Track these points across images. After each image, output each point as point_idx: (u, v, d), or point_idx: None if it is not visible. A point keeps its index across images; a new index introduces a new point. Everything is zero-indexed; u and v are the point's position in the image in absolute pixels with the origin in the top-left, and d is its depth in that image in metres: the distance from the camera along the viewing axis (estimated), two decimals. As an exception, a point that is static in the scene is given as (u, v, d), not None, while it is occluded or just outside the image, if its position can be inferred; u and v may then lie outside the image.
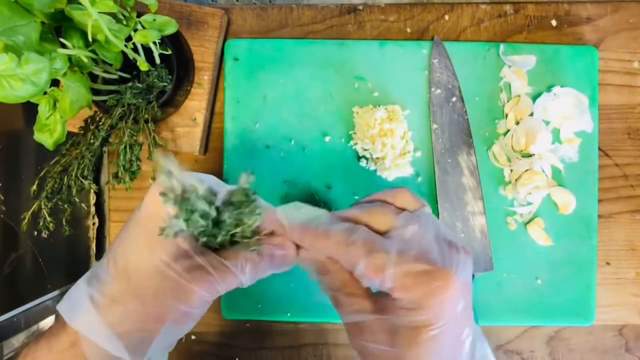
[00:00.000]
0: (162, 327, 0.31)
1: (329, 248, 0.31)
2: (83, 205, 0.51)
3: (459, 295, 0.28)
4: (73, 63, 0.42)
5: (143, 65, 0.47)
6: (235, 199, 0.32)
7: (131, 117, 0.49)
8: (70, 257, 0.54)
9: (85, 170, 0.49)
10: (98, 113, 0.50)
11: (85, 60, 0.42)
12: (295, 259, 0.33)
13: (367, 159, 0.53)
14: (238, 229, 0.32)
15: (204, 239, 0.32)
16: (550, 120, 0.53)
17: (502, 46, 0.54)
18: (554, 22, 0.55)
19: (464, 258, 0.30)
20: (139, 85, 0.48)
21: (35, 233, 0.48)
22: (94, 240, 0.56)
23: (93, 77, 0.47)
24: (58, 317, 0.32)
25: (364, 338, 0.30)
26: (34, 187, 0.47)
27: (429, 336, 0.28)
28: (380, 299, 0.31)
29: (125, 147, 0.49)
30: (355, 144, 0.53)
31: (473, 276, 0.51)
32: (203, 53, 0.53)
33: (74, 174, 0.48)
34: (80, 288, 0.31)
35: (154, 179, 0.55)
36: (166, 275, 0.30)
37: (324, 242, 0.31)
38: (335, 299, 0.32)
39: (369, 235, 0.30)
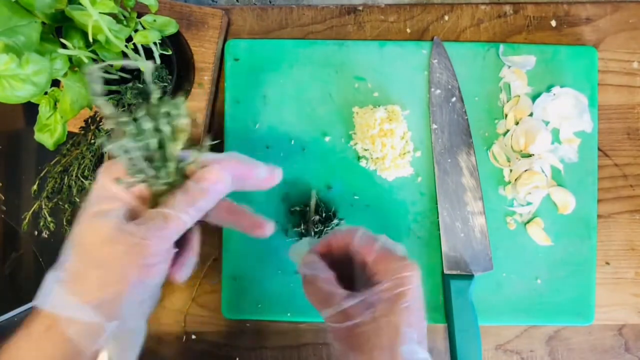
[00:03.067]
0: (128, 285, 0.32)
1: (344, 237, 0.40)
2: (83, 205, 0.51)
3: (420, 284, 0.37)
4: (73, 63, 0.42)
5: (143, 65, 0.47)
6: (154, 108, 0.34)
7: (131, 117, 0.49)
8: (71, 257, 0.54)
9: (86, 170, 0.49)
10: (98, 113, 0.50)
11: (86, 60, 0.42)
12: (229, 188, 0.36)
13: (367, 159, 0.53)
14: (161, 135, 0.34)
15: (146, 178, 0.34)
16: (549, 121, 0.53)
17: (501, 46, 0.54)
18: (553, 23, 0.55)
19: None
20: (139, 85, 0.48)
21: (36, 233, 0.48)
22: (94, 240, 0.56)
23: (93, 78, 0.47)
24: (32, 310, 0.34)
25: (351, 318, 0.35)
26: (35, 187, 0.47)
27: (403, 305, 0.35)
28: (357, 293, 0.37)
29: (125, 147, 0.49)
30: (355, 144, 0.53)
31: (473, 276, 0.52)
32: (203, 53, 0.53)
33: (74, 174, 0.48)
34: (47, 276, 0.33)
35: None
36: (118, 238, 0.32)
37: (342, 236, 0.40)
38: (318, 296, 0.38)
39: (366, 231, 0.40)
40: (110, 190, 0.34)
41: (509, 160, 0.53)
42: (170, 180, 0.35)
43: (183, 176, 0.35)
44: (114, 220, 0.33)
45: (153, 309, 0.37)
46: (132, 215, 0.34)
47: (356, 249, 0.38)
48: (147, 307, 0.37)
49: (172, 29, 0.47)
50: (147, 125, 0.33)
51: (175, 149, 0.35)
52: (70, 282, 0.32)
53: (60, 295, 0.32)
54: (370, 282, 0.37)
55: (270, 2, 0.59)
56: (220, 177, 0.35)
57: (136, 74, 0.50)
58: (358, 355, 0.35)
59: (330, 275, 0.38)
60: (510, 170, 0.53)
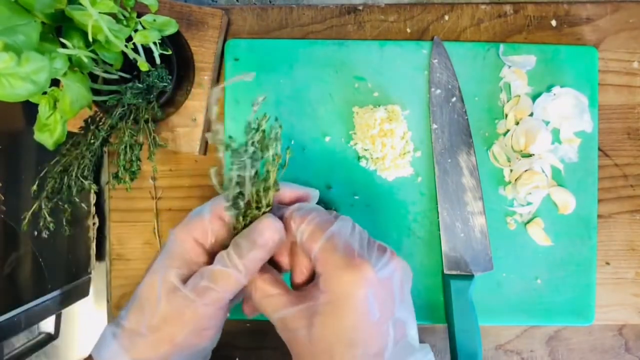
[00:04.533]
0: (176, 347, 0.32)
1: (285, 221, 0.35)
2: (83, 205, 0.51)
3: (374, 288, 0.31)
4: (73, 63, 0.42)
5: (143, 65, 0.47)
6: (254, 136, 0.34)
7: (131, 117, 0.49)
8: (70, 257, 0.54)
9: (86, 170, 0.49)
10: (98, 113, 0.50)
11: (86, 60, 0.42)
12: (281, 236, 0.34)
13: (367, 159, 0.53)
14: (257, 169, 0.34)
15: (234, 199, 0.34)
16: (550, 120, 0.53)
17: (502, 46, 0.54)
18: (553, 22, 0.55)
19: (386, 259, 0.32)
20: (139, 85, 0.48)
21: (36, 233, 0.48)
22: (94, 240, 0.56)
23: (93, 77, 0.47)
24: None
25: (290, 328, 0.32)
26: (34, 187, 0.47)
27: (341, 321, 0.30)
28: (298, 294, 0.33)
29: (125, 147, 0.49)
30: (355, 144, 0.53)
31: (473, 276, 0.52)
32: (203, 53, 0.53)
33: (74, 174, 0.48)
34: (105, 328, 0.34)
35: (154, 178, 0.55)
36: (172, 299, 0.32)
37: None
38: (260, 304, 0.35)
39: (320, 211, 0.35)
40: (185, 247, 0.34)
41: (509, 160, 0.53)
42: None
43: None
44: (173, 280, 0.32)
45: None
46: (185, 272, 0.33)
47: (300, 244, 0.34)
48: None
49: (171, 29, 0.46)
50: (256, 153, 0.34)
51: (275, 180, 0.34)
52: (124, 338, 0.32)
53: (113, 350, 0.32)
54: (317, 283, 0.33)
55: (270, 2, 0.59)
56: (268, 226, 0.33)
57: (136, 73, 0.50)
58: None
59: (272, 276, 0.35)
60: (511, 170, 0.53)
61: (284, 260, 0.37)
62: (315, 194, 0.39)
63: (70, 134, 0.45)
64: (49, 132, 0.42)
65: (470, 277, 0.51)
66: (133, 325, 0.32)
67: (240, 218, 0.34)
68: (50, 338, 0.54)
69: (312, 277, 0.36)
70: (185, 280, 0.33)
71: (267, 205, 0.34)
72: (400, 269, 0.33)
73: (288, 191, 0.37)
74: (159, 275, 0.33)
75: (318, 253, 0.32)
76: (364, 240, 0.33)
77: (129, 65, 0.48)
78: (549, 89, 0.53)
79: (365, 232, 0.35)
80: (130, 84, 0.48)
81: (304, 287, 0.35)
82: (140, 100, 0.49)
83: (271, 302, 0.33)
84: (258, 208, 0.34)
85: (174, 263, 0.33)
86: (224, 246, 0.34)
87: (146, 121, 0.49)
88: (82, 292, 0.56)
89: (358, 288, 0.30)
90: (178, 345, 0.32)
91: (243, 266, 0.32)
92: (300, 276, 0.36)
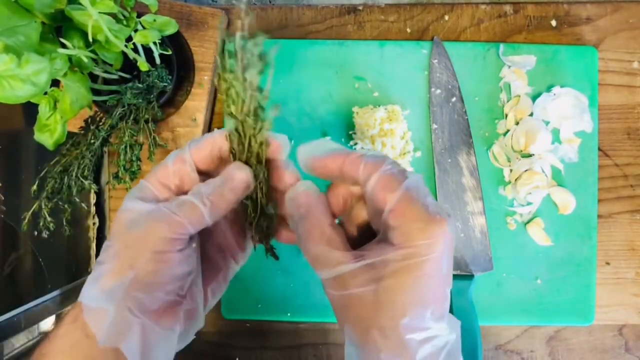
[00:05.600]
0: (133, 271, 0.31)
1: (347, 164, 0.30)
2: (83, 205, 0.51)
3: (448, 247, 0.28)
4: (73, 63, 0.42)
5: (143, 65, 0.47)
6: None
7: (131, 117, 0.49)
8: (71, 257, 0.54)
9: (86, 170, 0.49)
10: (98, 113, 0.50)
11: (86, 60, 0.42)
12: (248, 188, 0.33)
13: (367, 159, 0.53)
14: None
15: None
16: (550, 120, 0.53)
17: (501, 46, 0.54)
18: (553, 22, 0.55)
19: (453, 220, 0.30)
20: (140, 85, 0.48)
21: (36, 233, 0.48)
22: (94, 240, 0.56)
23: (93, 78, 0.47)
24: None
25: (349, 286, 0.29)
26: (34, 187, 0.47)
27: (417, 278, 0.28)
28: (359, 252, 0.30)
29: (125, 147, 0.49)
30: (355, 144, 0.53)
31: (473, 276, 0.52)
32: (203, 53, 0.53)
33: (74, 174, 0.48)
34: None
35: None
36: (136, 222, 0.31)
37: (342, 158, 0.31)
38: (314, 251, 0.30)
39: (393, 161, 0.31)
40: (150, 187, 0.33)
41: (509, 160, 0.53)
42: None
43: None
44: (138, 207, 0.32)
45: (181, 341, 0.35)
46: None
47: (370, 193, 0.30)
48: (179, 310, 0.33)
49: (171, 29, 0.46)
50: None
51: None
52: (95, 271, 0.32)
53: (87, 285, 0.32)
54: (383, 239, 0.29)
55: (270, 2, 0.59)
56: (238, 170, 0.32)
57: (136, 73, 0.50)
58: (352, 329, 0.29)
59: (327, 220, 0.31)
60: (511, 170, 0.53)
61: (337, 208, 0.33)
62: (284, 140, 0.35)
63: (70, 134, 0.45)
64: (49, 132, 0.42)
65: (470, 277, 0.52)
66: (102, 258, 0.32)
67: (240, 143, 0.33)
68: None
69: (368, 234, 0.33)
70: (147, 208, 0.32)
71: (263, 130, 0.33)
72: (454, 235, 0.31)
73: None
74: (126, 205, 0.32)
75: (395, 204, 0.28)
76: (434, 199, 0.30)
77: (129, 65, 0.48)
78: (549, 89, 0.53)
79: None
80: (130, 84, 0.48)
81: (365, 245, 0.31)
82: (140, 100, 0.49)
83: (330, 254, 0.29)
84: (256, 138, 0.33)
85: (140, 196, 0.33)
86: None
87: (146, 121, 0.49)
88: (82, 292, 0.56)
89: (439, 244, 0.28)
90: (137, 269, 0.31)
91: (209, 201, 0.31)
92: (356, 229, 0.33)
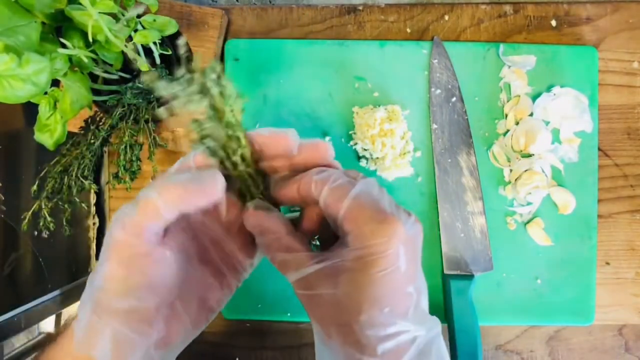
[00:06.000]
0: (111, 279, 0.30)
1: (301, 187, 0.32)
2: (83, 205, 0.51)
3: (404, 246, 0.30)
4: (73, 63, 0.42)
5: (143, 65, 0.47)
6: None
7: (131, 117, 0.49)
8: (71, 257, 0.54)
9: (86, 170, 0.49)
10: (98, 113, 0.50)
11: (86, 60, 0.42)
12: (219, 196, 0.31)
13: (367, 159, 0.53)
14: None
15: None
16: (550, 120, 0.53)
17: (501, 46, 0.54)
18: (553, 22, 0.55)
19: (413, 220, 0.31)
20: (139, 85, 0.48)
21: (36, 233, 0.48)
22: (94, 240, 0.56)
23: (93, 78, 0.47)
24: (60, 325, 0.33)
25: (313, 287, 0.31)
26: (34, 187, 0.47)
27: (371, 277, 0.29)
28: (321, 254, 0.31)
29: (125, 147, 0.49)
30: (355, 144, 0.53)
31: (473, 276, 0.52)
32: (203, 53, 0.53)
33: (74, 174, 0.48)
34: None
35: (154, 178, 0.55)
36: (110, 240, 0.30)
37: (296, 184, 0.33)
38: (277, 258, 0.32)
39: (340, 174, 0.33)
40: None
41: (509, 160, 0.53)
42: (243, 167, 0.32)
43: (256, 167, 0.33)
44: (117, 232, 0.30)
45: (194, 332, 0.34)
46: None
47: (324, 206, 0.31)
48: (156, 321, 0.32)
49: (171, 29, 0.46)
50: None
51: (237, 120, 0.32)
52: (88, 286, 0.31)
53: (82, 306, 0.31)
54: (342, 243, 0.31)
55: (270, 2, 0.59)
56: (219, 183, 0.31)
57: (136, 73, 0.50)
58: (319, 326, 0.31)
59: (283, 230, 0.32)
60: (511, 170, 0.53)
61: (312, 227, 0.35)
62: (292, 132, 0.35)
63: (70, 134, 0.45)
64: (49, 132, 0.42)
65: (470, 277, 0.52)
66: (94, 281, 0.31)
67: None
68: (51, 338, 0.54)
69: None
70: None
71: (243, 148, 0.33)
72: (421, 233, 0.32)
73: (265, 133, 0.35)
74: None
75: (346, 212, 0.30)
76: (391, 201, 0.32)
77: (129, 65, 0.48)
78: (549, 89, 0.53)
79: (390, 195, 0.33)
80: (130, 84, 0.48)
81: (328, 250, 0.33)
82: (140, 100, 0.49)
83: (294, 259, 0.31)
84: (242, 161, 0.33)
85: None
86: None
87: (146, 121, 0.49)
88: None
89: (391, 242, 0.29)
90: (104, 273, 0.30)
91: (160, 190, 0.29)
92: (325, 244, 0.35)
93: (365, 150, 0.53)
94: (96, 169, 0.53)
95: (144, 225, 0.29)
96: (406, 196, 0.53)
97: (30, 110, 0.44)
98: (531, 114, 0.53)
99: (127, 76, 0.49)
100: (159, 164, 0.55)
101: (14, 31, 0.34)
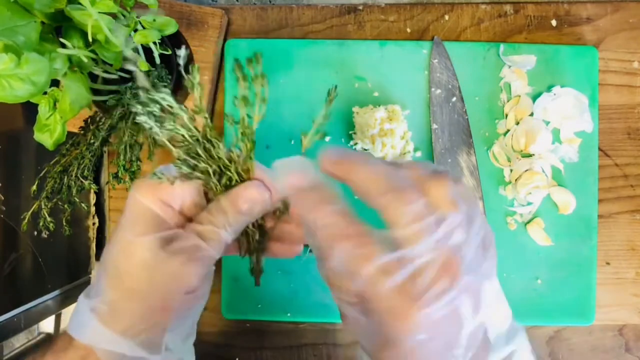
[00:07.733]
0: (170, 315, 0.30)
1: (372, 173, 0.26)
2: (83, 205, 0.51)
3: (428, 333, 0.25)
4: (73, 63, 0.42)
5: (143, 65, 0.47)
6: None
7: (131, 117, 0.49)
8: (70, 257, 0.54)
9: (85, 170, 0.49)
10: (98, 113, 0.50)
11: (85, 60, 0.42)
12: (269, 205, 0.32)
13: (367, 159, 0.53)
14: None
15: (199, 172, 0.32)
16: (550, 120, 0.53)
17: (502, 46, 0.54)
18: (554, 22, 0.55)
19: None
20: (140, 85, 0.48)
21: (35, 233, 0.48)
22: (94, 240, 0.56)
23: (93, 77, 0.47)
24: (60, 334, 0.32)
25: (390, 275, 0.24)
26: (34, 187, 0.47)
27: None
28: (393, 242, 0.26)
29: (125, 147, 0.49)
30: (355, 144, 0.53)
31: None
32: (203, 53, 0.53)
33: (74, 174, 0.48)
34: (80, 303, 0.31)
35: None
36: (156, 266, 0.30)
37: (366, 169, 0.27)
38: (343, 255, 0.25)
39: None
40: (154, 210, 0.31)
41: (509, 160, 0.53)
42: (226, 178, 0.33)
43: (240, 176, 0.33)
44: (151, 247, 0.30)
45: (194, 335, 0.36)
46: (164, 237, 0.31)
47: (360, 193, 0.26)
48: (191, 341, 0.34)
49: (171, 29, 0.46)
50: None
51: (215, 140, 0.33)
52: (106, 314, 0.30)
53: (97, 327, 0.30)
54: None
55: (270, 2, 0.59)
56: (251, 194, 0.32)
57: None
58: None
59: (344, 206, 0.26)
60: (511, 170, 0.53)
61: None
62: (307, 165, 0.30)
63: (70, 134, 0.45)
64: (48, 132, 0.42)
65: (470, 277, 0.51)
66: (114, 298, 0.30)
67: (216, 183, 0.33)
68: (50, 338, 0.54)
69: None
70: (163, 243, 0.30)
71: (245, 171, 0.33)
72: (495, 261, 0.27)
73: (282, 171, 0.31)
74: (136, 240, 0.30)
75: (384, 201, 0.25)
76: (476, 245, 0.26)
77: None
78: (549, 89, 0.53)
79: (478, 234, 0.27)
80: (130, 84, 0.48)
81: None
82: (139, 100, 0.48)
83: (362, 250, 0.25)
84: (238, 175, 0.33)
85: (148, 227, 0.30)
86: (197, 206, 0.33)
87: (146, 121, 0.49)
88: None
89: (405, 336, 0.24)
90: (171, 312, 0.30)
91: (230, 227, 0.31)
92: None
93: (365, 150, 0.53)
94: (96, 169, 0.53)
95: (214, 257, 0.32)
96: (406, 196, 0.53)
97: (30, 110, 0.44)
98: (531, 114, 0.53)
99: (127, 76, 0.49)
100: (159, 164, 0.55)
101: (14, 31, 0.34)
